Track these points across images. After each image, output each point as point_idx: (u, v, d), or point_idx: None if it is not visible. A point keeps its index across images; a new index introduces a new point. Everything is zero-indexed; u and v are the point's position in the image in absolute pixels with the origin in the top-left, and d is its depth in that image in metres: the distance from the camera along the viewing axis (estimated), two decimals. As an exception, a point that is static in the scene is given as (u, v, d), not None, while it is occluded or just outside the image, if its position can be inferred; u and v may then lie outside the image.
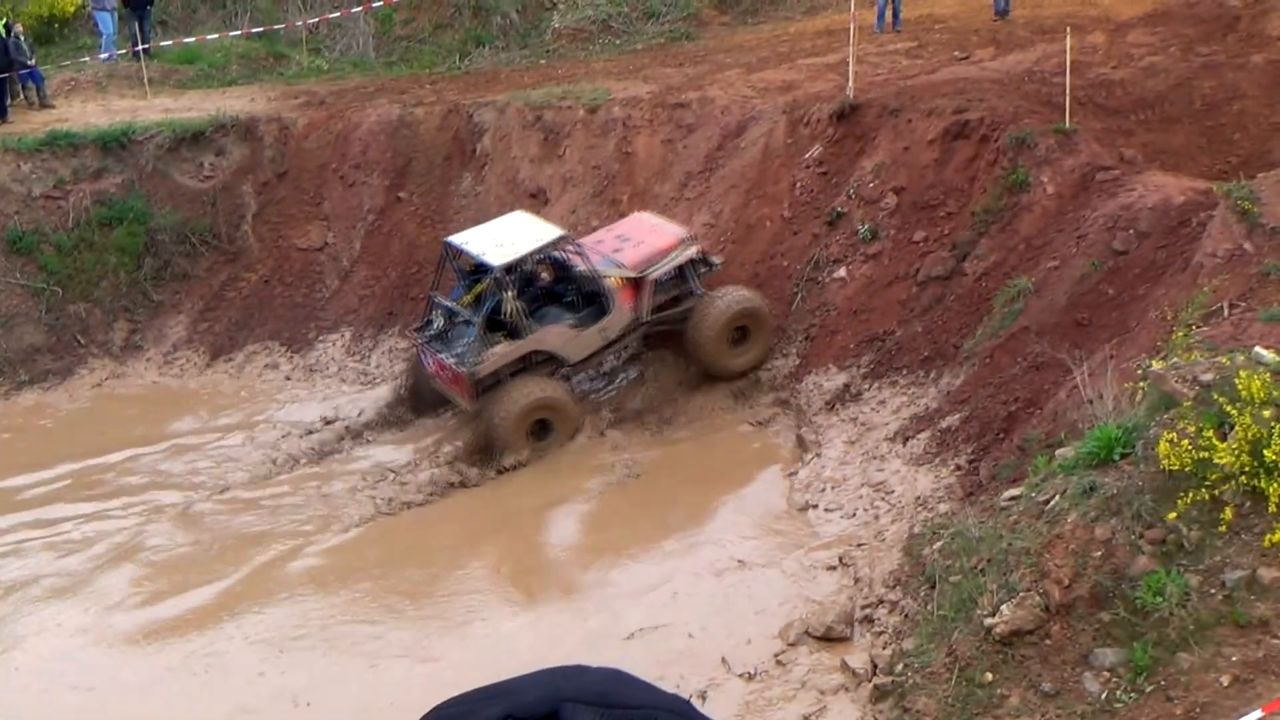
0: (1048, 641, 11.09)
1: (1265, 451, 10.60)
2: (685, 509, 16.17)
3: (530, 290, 17.50)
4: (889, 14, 23.58)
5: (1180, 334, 13.43)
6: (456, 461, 16.97)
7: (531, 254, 17.11)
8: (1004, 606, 11.29)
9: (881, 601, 13.38)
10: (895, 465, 16.01)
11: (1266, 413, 10.86)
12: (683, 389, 18.29)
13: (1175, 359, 12.38)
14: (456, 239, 17.74)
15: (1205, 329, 13.42)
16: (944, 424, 16.04)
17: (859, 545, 14.78)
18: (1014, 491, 12.91)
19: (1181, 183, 16.88)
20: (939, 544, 13.08)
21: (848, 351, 17.71)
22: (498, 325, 17.13)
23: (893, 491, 15.55)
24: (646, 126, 21.11)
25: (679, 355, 18.26)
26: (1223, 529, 10.77)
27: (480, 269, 17.31)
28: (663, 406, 18.10)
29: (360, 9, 26.31)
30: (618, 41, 25.51)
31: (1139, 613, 10.76)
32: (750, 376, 18.25)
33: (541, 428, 17.11)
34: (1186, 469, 11.04)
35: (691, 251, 17.95)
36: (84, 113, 23.12)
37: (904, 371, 17.12)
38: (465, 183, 21.59)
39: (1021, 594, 11.28)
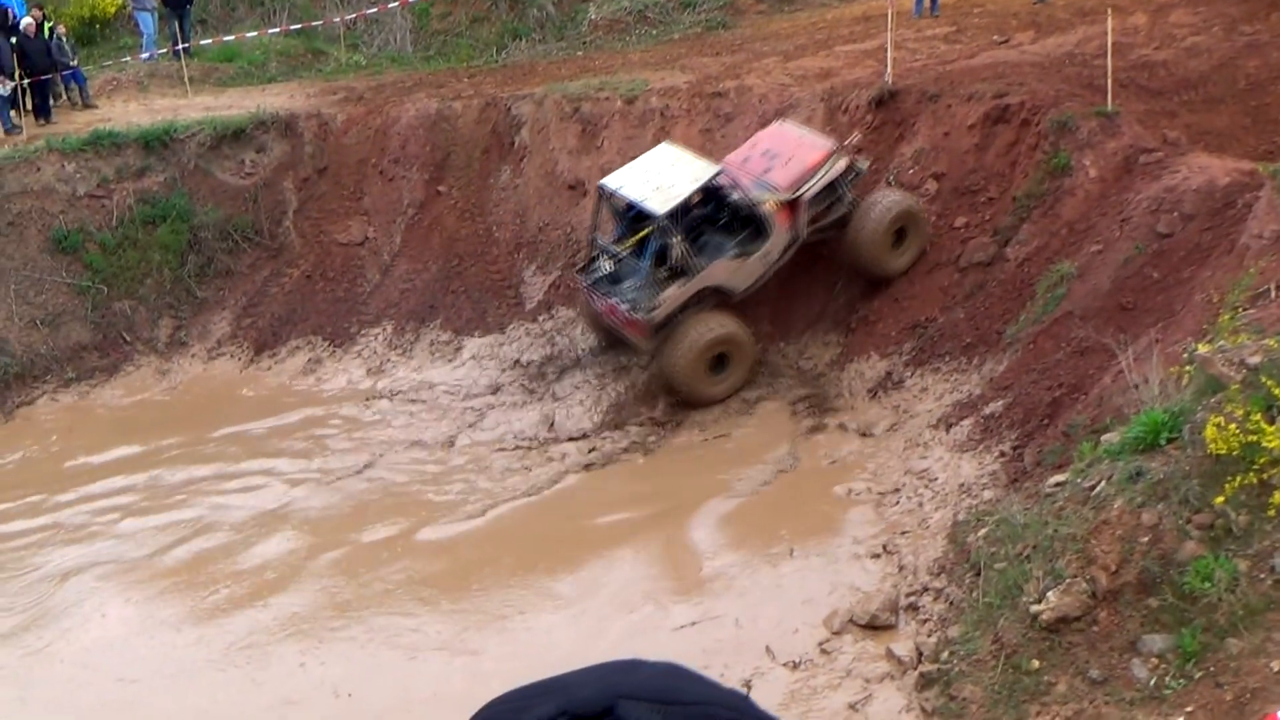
0: (1095, 628, 11.01)
1: (1314, 434, 10.49)
2: (728, 496, 16.15)
3: (687, 222, 17.60)
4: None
5: (1226, 317, 13.28)
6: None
7: (691, 196, 17.26)
8: (1050, 593, 11.22)
9: (926, 589, 13.32)
10: (939, 452, 15.92)
11: (1315, 395, 10.74)
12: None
13: (1221, 342, 12.25)
14: (611, 182, 17.79)
15: (1252, 311, 13.26)
16: (987, 410, 15.93)
17: (903, 533, 14.72)
18: (1059, 478, 12.81)
19: (1226, 164, 16.68)
20: (983, 531, 13.01)
21: (890, 339, 17.63)
22: (662, 262, 17.32)
23: (936, 479, 15.47)
24: (684, 116, 21.05)
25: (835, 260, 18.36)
26: (1271, 513, 10.67)
27: (635, 210, 17.48)
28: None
29: (397, 4, 26.38)
30: (654, 32, 25.44)
31: (1187, 598, 10.67)
32: (793, 365, 18.19)
33: (719, 363, 17.39)
34: (1234, 453, 10.93)
35: (841, 165, 17.88)
36: (126, 112, 23.31)
37: (946, 358, 17.02)
38: (504, 175, 21.61)
39: (1068, 580, 11.20)
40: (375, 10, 26.47)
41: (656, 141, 20.79)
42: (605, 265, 17.95)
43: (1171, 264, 15.70)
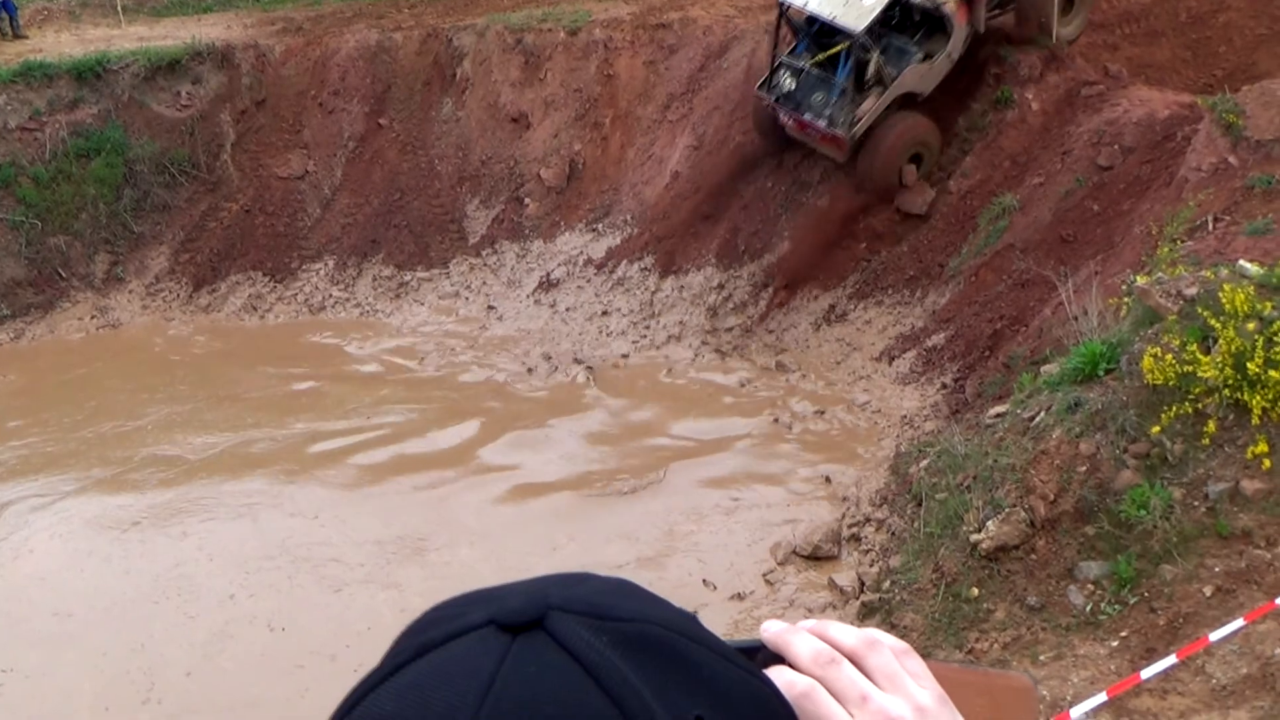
0: (1033, 556, 11.17)
1: (1248, 364, 10.62)
2: (668, 439, 16.19)
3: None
4: None
5: (1165, 249, 13.43)
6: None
7: (884, 11, 17.26)
8: (989, 523, 11.36)
9: (869, 520, 13.48)
10: (881, 384, 16.04)
11: (1250, 325, 10.86)
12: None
13: (1160, 274, 12.37)
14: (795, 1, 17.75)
15: (1190, 243, 13.42)
16: (930, 343, 16.06)
17: (846, 464, 14.85)
18: (999, 409, 12.95)
19: (1166, 97, 16.79)
20: (925, 462, 13.14)
21: (832, 271, 17.66)
22: (859, 77, 17.48)
23: (879, 410, 15.60)
24: (628, 48, 20.89)
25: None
26: (1206, 442, 10.82)
27: (821, 25, 17.56)
28: None
29: (336, -68, 25.87)
30: (598, -38, 25.14)
31: (1123, 526, 10.83)
32: (731, 298, 18.21)
33: (915, 161, 17.69)
34: (1170, 383, 11.07)
35: None
36: (58, 43, 22.78)
37: (889, 291, 17.11)
38: (446, 108, 21.36)
39: (1007, 510, 11.34)
40: (313, -62, 25.95)
41: (600, 74, 20.65)
42: (788, 82, 17.98)
43: (1111, 196, 15.83)
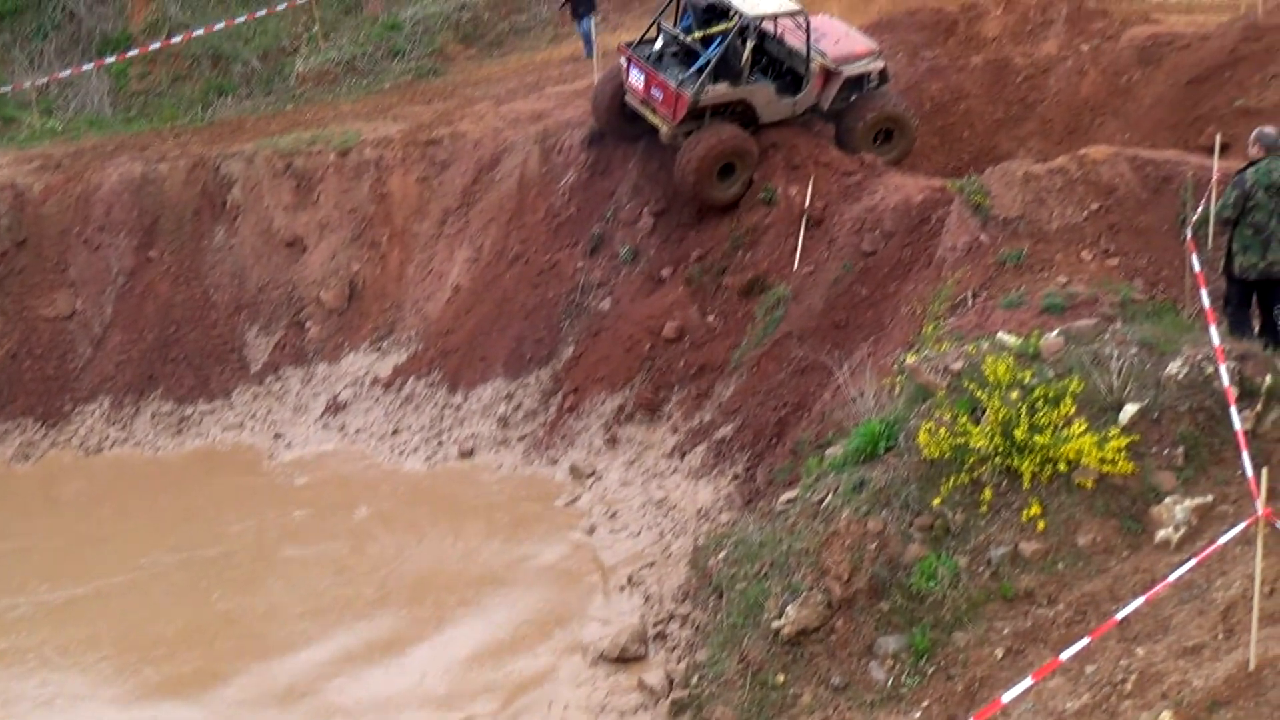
0: (833, 636, 11.41)
1: (1015, 431, 11.16)
2: (465, 550, 16.06)
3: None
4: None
5: (930, 326, 14.05)
6: None
7: (780, 14, 18.41)
8: (789, 608, 11.57)
9: (673, 616, 13.57)
10: (676, 480, 16.26)
11: (1014, 394, 11.43)
12: None
13: (927, 351, 12.93)
14: None
15: (953, 320, 14.07)
16: (719, 435, 16.36)
17: (648, 564, 14.95)
18: (790, 494, 13.24)
19: (919, 182, 17.65)
20: (723, 553, 13.32)
21: (619, 373, 17.86)
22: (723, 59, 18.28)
23: (675, 506, 15.79)
24: (400, 166, 20.96)
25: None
26: (984, 509, 11.29)
27: (715, 10, 18.79)
28: None
29: (92, 65, 25.32)
30: (364, 82, 25.20)
31: (915, 598, 11.18)
32: (522, 406, 18.25)
33: (727, 171, 18.30)
34: (946, 455, 11.55)
35: (879, 65, 19.02)
36: None
37: (676, 388, 17.39)
38: (218, 236, 21.01)
39: (804, 593, 11.58)
40: (69, 73, 25.33)
41: (374, 192, 20.66)
42: (658, 45, 19.02)
43: (877, 280, 16.49)
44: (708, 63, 18.16)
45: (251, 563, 16.33)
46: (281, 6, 26.05)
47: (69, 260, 20.81)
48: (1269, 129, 11.75)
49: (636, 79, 18.79)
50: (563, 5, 24.79)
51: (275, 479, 18.32)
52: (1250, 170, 11.57)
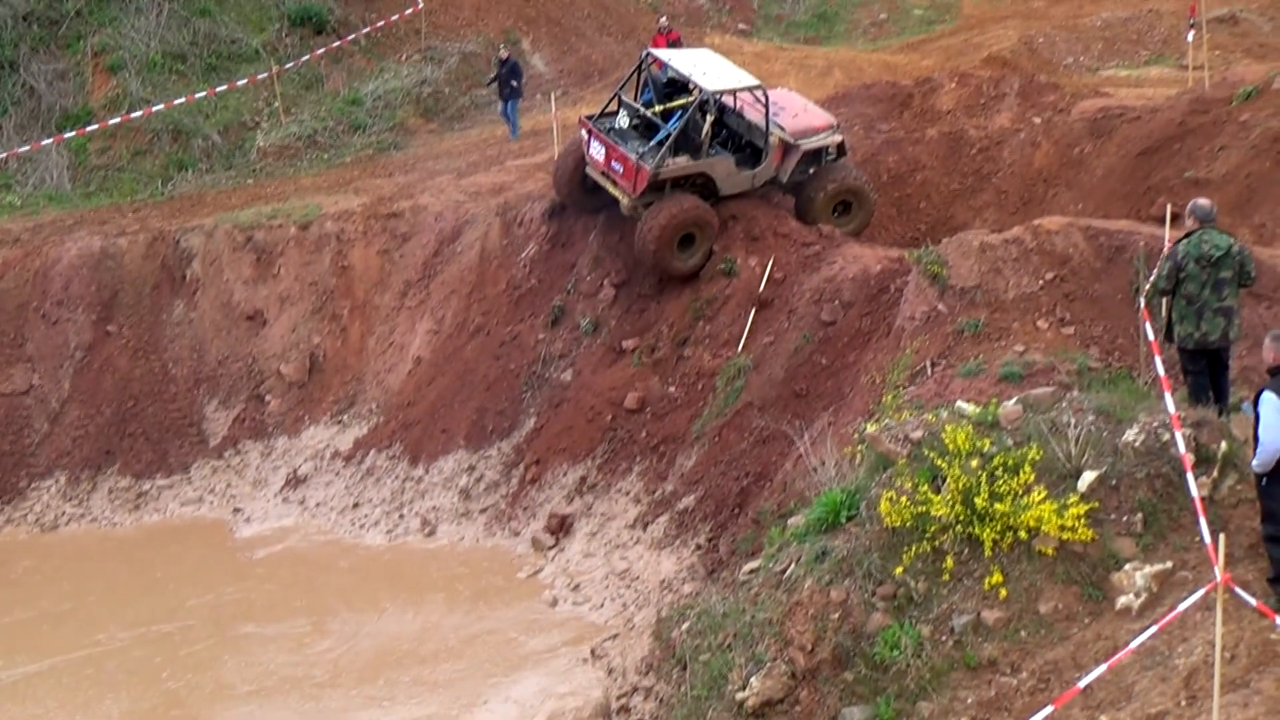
0: (798, 708, 11.32)
1: (976, 499, 11.18)
2: (424, 625, 15.92)
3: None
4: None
5: (890, 396, 14.11)
6: None
7: (738, 89, 18.69)
8: (753, 679, 11.49)
9: (636, 689, 13.46)
10: (639, 551, 16.20)
11: (974, 462, 11.47)
12: None
13: (887, 420, 12.98)
14: (662, 54, 19.56)
15: (912, 389, 14.15)
16: (681, 505, 16.34)
17: (611, 636, 14.85)
18: (752, 564, 13.19)
19: (877, 252, 17.84)
20: (686, 624, 13.22)
21: (581, 444, 17.85)
22: (683, 133, 18.51)
23: (638, 577, 15.72)
24: (361, 239, 21.01)
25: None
26: (946, 577, 11.28)
27: (676, 85, 19.15)
28: None
29: (52, 141, 25.32)
30: (325, 156, 25.31)
31: (879, 668, 11.12)
32: (483, 478, 18.19)
33: (688, 241, 18.44)
34: (908, 524, 11.54)
35: (836, 139, 19.33)
36: None
37: (638, 459, 17.38)
38: (177, 310, 20.94)
39: (768, 664, 11.50)
40: (28, 148, 25.29)
41: (335, 265, 20.67)
42: (621, 119, 19.25)
43: (837, 349, 16.60)
44: (668, 136, 18.35)
45: (207, 639, 16.15)
46: (242, 82, 26.16)
47: (26, 335, 20.67)
48: (1203, 201, 11.94)
49: (597, 151, 18.96)
50: (489, 81, 25.33)
51: (234, 554, 18.16)
52: (1183, 242, 11.76)
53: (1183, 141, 18.46)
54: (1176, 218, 14.38)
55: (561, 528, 17.07)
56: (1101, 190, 19.01)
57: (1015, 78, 22.04)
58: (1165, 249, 13.79)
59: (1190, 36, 22.22)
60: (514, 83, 24.40)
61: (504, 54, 25.02)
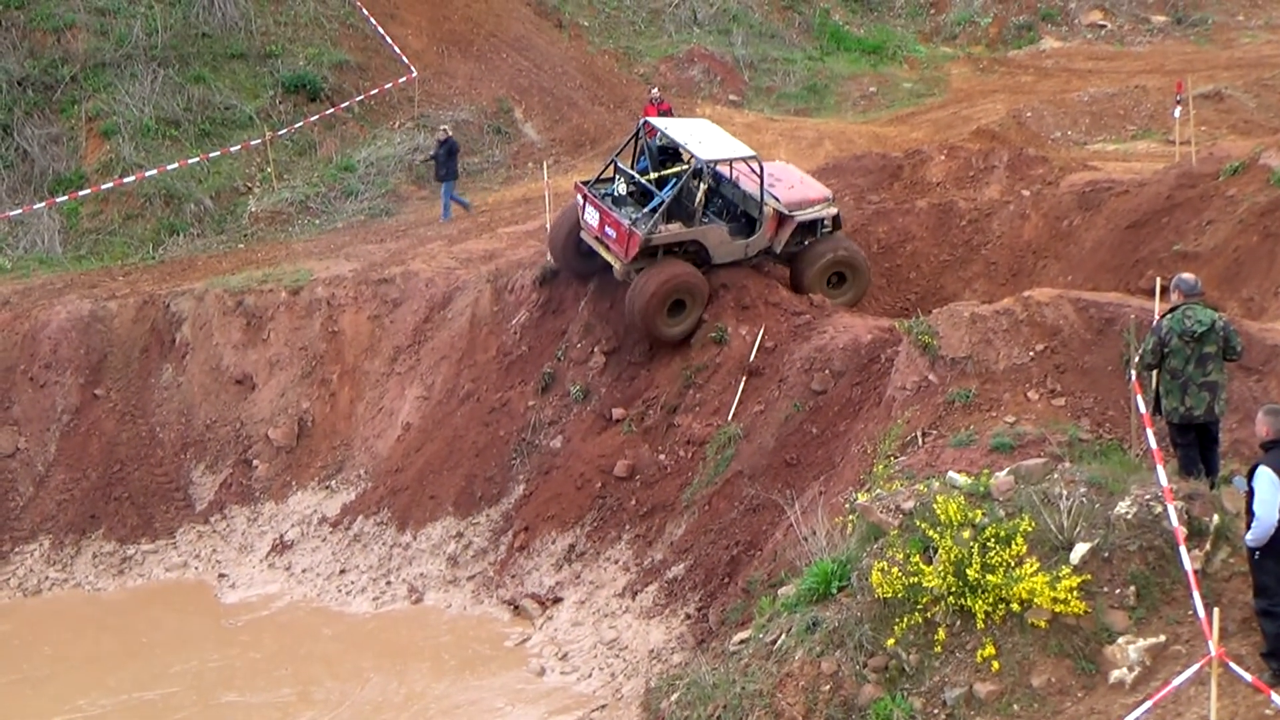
0: (788, 781, 11.20)
1: (968, 571, 11.12)
2: (409, 694, 15.73)
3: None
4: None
5: (881, 465, 14.09)
6: None
7: (734, 159, 18.89)
8: (743, 752, 11.37)
9: (625, 761, 13.32)
10: (627, 620, 16.07)
11: (965, 534, 11.42)
12: None
13: (879, 490, 12.93)
14: (658, 122, 19.99)
15: (903, 459, 14.12)
16: (670, 574, 16.25)
17: (599, 707, 14.70)
18: (742, 635, 13.09)
19: (867, 322, 17.90)
20: (675, 695, 13.09)
21: (570, 511, 17.78)
22: (677, 201, 18.72)
23: (627, 647, 15.59)
24: (351, 304, 21.02)
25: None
26: (938, 649, 11.19)
27: (670, 153, 19.47)
28: None
29: (44, 204, 25.38)
30: (317, 221, 25.40)
31: (871, 742, 11.01)
32: (471, 545, 18.09)
33: (678, 307, 18.55)
34: (899, 595, 11.46)
35: (831, 211, 19.51)
36: None
37: (627, 527, 17.31)
38: (166, 374, 20.89)
39: (758, 737, 11.39)
40: (20, 211, 25.34)
41: (325, 331, 20.67)
42: (619, 189, 19.41)
43: (828, 419, 16.60)
44: (661, 203, 18.47)
45: (190, 707, 15.96)
46: (236, 148, 26.29)
47: (13, 398, 20.58)
48: (1187, 276, 12.02)
49: (592, 216, 19.05)
50: (425, 160, 25.50)
51: (218, 620, 17.99)
52: (1167, 317, 11.81)
53: (1171, 215, 18.61)
54: (1165, 290, 14.44)
55: (551, 601, 16.99)
56: (1091, 262, 19.13)
57: (1004, 150, 22.24)
58: (1155, 321, 13.87)
59: (1177, 112, 22.48)
60: (451, 164, 24.46)
61: (443, 134, 24.94)
